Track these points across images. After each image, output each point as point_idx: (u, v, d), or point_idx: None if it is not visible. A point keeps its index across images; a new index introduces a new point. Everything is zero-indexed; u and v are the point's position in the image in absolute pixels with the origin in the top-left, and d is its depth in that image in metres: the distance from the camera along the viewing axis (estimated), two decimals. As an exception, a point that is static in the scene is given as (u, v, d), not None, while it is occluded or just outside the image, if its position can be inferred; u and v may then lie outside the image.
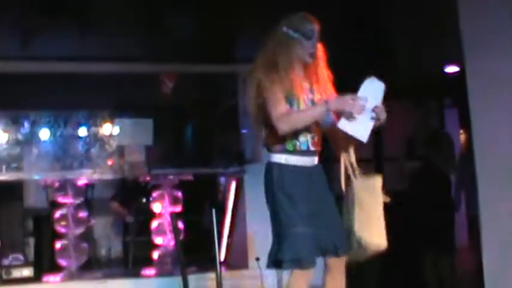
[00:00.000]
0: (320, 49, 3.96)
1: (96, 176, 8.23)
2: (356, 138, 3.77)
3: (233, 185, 8.26)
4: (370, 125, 3.72)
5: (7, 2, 6.30)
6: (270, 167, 3.92)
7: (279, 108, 3.75)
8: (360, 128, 3.71)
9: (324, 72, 4.01)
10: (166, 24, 7.06)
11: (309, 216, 3.77)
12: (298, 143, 3.85)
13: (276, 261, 3.82)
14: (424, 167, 6.43)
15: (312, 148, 3.91)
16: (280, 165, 3.88)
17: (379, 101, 3.70)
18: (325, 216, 3.88)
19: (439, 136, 6.66)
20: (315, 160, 3.98)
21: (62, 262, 7.50)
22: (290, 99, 3.82)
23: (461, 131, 10.85)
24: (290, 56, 3.86)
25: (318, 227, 3.79)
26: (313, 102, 3.92)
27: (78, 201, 7.69)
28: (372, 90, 3.70)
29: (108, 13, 6.78)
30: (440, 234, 6.41)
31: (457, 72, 8.05)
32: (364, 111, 3.67)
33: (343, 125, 3.70)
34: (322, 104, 3.78)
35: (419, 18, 6.94)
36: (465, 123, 8.41)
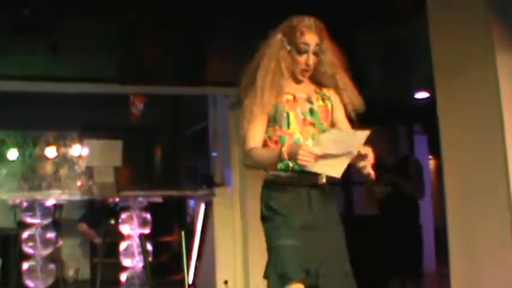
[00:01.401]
0: (327, 56, 3.61)
1: (64, 197, 8.17)
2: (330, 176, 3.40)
3: (202, 207, 8.24)
4: (344, 162, 3.28)
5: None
6: (264, 185, 3.62)
7: (248, 143, 3.51)
8: (332, 166, 3.30)
9: (334, 75, 3.64)
10: (138, 45, 7.07)
11: (299, 231, 3.42)
12: (290, 164, 3.46)
13: (266, 279, 3.47)
14: (393, 192, 6.45)
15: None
16: (271, 182, 3.56)
17: (352, 149, 3.24)
18: (320, 238, 3.47)
19: (408, 162, 6.69)
20: (316, 179, 3.52)
21: (29, 283, 7.42)
22: (277, 119, 3.52)
23: (430, 157, 10.93)
24: (278, 71, 3.54)
25: (307, 243, 3.42)
26: (311, 112, 3.56)
27: (46, 221, 7.62)
28: (346, 140, 3.26)
29: (79, 33, 6.78)
30: (408, 259, 6.42)
31: (427, 98, 8.11)
32: (320, 160, 3.21)
33: (314, 168, 3.27)
34: (278, 149, 3.34)
35: (390, 43, 7.00)
36: (434, 149, 8.49)
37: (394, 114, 8.58)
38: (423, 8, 5.00)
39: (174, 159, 11.81)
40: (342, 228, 3.64)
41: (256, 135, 3.54)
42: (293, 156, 3.22)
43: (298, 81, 3.62)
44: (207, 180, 8.37)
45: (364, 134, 3.23)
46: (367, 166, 3.33)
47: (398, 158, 6.65)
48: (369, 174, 3.34)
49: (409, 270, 6.46)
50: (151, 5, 6.33)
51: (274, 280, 3.39)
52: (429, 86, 5.18)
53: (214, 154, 8.76)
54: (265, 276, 3.46)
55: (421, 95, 8.49)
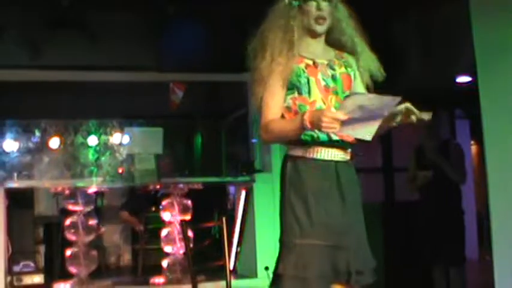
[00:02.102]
0: (343, 14, 3.33)
1: (106, 184, 8.23)
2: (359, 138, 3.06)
3: (242, 194, 8.25)
4: (374, 125, 2.96)
5: (19, 12, 6.34)
6: (285, 161, 3.27)
7: (266, 114, 3.23)
8: (361, 129, 2.99)
9: (352, 37, 3.37)
10: (176, 33, 7.08)
11: (326, 226, 3.10)
12: (315, 134, 3.13)
13: (277, 276, 3.16)
14: (435, 178, 6.39)
15: (335, 138, 3.16)
16: (295, 158, 3.21)
17: (381, 112, 2.94)
18: (348, 229, 3.16)
19: (450, 146, 6.63)
20: (345, 153, 3.25)
21: (72, 269, 7.49)
22: (296, 85, 3.21)
23: (472, 142, 10.82)
24: (289, 29, 3.23)
25: (335, 241, 3.11)
26: (334, 79, 3.25)
27: (88, 209, 7.69)
28: (373, 104, 2.95)
29: (118, 22, 6.81)
30: (450, 245, 6.37)
31: (469, 82, 8.01)
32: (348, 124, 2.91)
33: (341, 130, 2.95)
34: (299, 118, 3.05)
35: (432, 27, 6.93)
36: (476, 134, 8.39)
37: (435, 98, 8.50)
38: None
39: (214, 145, 11.84)
40: (361, 206, 3.30)
41: (275, 104, 3.24)
42: (317, 124, 2.91)
43: (315, 35, 3.29)
44: (247, 167, 8.37)
45: (394, 100, 2.92)
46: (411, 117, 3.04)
47: (440, 142, 6.59)
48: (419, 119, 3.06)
49: (452, 257, 6.41)
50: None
51: (291, 283, 3.10)
52: (471, 70, 5.11)
53: (254, 140, 8.75)
54: (277, 274, 3.16)
55: (463, 79, 8.40)
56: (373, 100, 2.97)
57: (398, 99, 2.92)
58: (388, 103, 2.94)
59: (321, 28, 3.27)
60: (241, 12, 6.23)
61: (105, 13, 6.63)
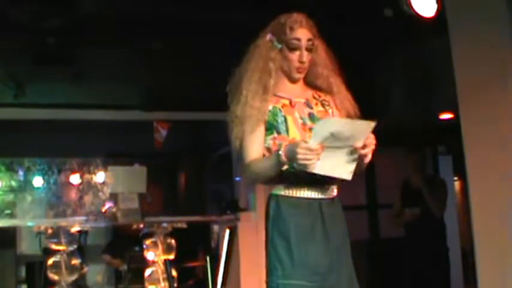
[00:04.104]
0: (320, 57, 3.31)
1: (89, 224, 8.17)
2: (338, 178, 3.05)
3: (227, 232, 8.22)
4: (351, 162, 2.97)
5: (2, 50, 6.35)
6: (269, 200, 3.20)
7: (247, 156, 3.19)
8: (338, 166, 2.97)
9: (328, 78, 3.32)
10: (160, 72, 7.10)
11: (307, 267, 3.03)
12: (294, 169, 3.03)
13: None
14: (421, 213, 6.41)
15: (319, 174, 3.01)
16: (278, 197, 3.14)
17: (357, 140, 2.93)
18: (332, 269, 3.09)
19: (435, 182, 6.67)
20: (329, 191, 3.18)
21: (55, 310, 7.41)
22: (274, 126, 3.17)
23: (455, 178, 10.85)
24: (266, 72, 3.20)
25: (319, 281, 3.04)
26: (311, 118, 3.19)
27: (71, 248, 7.62)
28: (346, 130, 2.90)
29: (102, 61, 6.83)
30: (436, 282, 6.36)
31: (452, 118, 8.07)
32: (325, 154, 2.89)
33: (318, 168, 2.91)
34: (275, 153, 3.03)
35: (414, 64, 6.99)
36: (459, 170, 8.41)
37: (419, 135, 8.54)
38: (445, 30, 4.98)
39: (198, 184, 11.82)
40: (349, 244, 3.25)
41: (255, 145, 3.20)
42: (292, 156, 2.89)
43: (293, 81, 3.29)
44: (231, 205, 8.35)
45: (368, 124, 2.92)
46: (369, 153, 3.00)
47: (425, 179, 6.61)
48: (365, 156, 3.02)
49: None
50: (173, 32, 6.36)
51: None
52: (453, 107, 5.14)
53: (238, 179, 8.75)
54: None
55: (445, 115, 8.45)
56: (345, 125, 2.95)
57: (372, 124, 2.91)
58: (361, 129, 2.93)
59: (300, 76, 3.28)
60: (226, 50, 6.27)
61: (89, 52, 6.63)
